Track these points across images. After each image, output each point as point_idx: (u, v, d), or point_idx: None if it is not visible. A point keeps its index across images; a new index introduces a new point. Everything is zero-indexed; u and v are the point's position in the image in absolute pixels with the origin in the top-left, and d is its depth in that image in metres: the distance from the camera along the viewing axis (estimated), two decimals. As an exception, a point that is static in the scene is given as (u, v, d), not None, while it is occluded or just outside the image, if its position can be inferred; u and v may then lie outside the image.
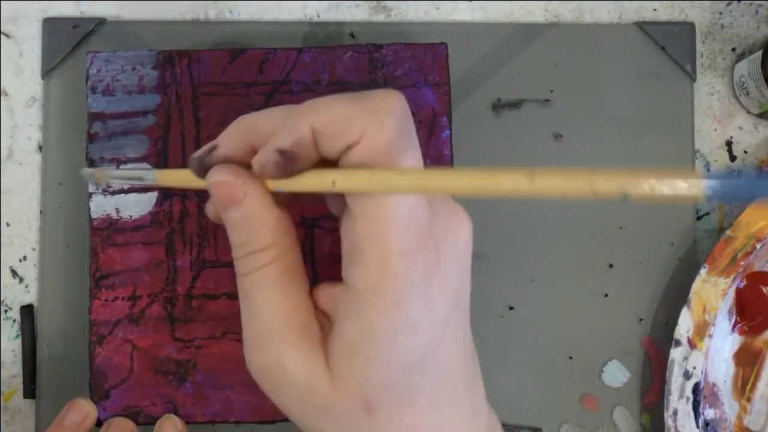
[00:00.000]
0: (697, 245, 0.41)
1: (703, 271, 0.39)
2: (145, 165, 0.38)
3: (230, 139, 0.28)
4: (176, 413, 0.37)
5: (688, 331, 0.39)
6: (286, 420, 0.37)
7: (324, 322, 0.27)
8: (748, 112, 0.43)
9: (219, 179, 0.27)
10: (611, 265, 0.41)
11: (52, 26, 0.41)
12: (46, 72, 0.41)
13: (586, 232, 0.41)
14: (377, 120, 0.24)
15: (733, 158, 0.43)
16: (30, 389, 0.40)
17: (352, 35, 0.42)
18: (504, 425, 0.41)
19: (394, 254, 0.24)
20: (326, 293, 0.28)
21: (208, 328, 0.37)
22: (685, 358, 0.39)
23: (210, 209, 0.30)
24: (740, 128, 0.43)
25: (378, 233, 0.24)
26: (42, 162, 0.41)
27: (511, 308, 0.41)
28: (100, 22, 0.41)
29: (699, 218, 0.42)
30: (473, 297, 0.41)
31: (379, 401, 0.26)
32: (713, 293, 0.39)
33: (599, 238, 0.41)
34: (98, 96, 0.38)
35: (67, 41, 0.41)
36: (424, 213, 0.25)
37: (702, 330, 0.39)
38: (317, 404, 0.26)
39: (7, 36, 0.42)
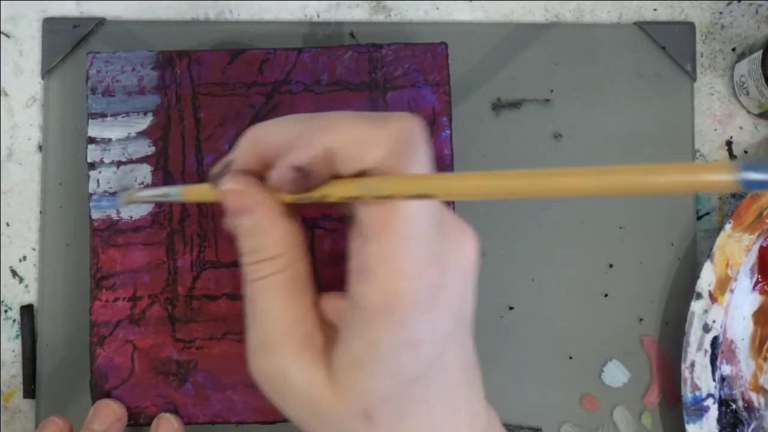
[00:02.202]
0: (697, 245, 0.42)
1: (728, 227, 0.39)
2: (146, 166, 0.38)
3: (242, 153, 0.28)
4: (177, 414, 0.37)
5: (710, 285, 0.39)
6: (286, 420, 0.37)
7: (329, 332, 0.28)
8: (748, 112, 0.43)
9: (229, 188, 0.27)
10: (611, 265, 0.41)
11: (52, 26, 0.41)
12: (46, 72, 0.41)
13: (586, 232, 0.42)
14: (396, 148, 0.24)
15: (733, 158, 0.43)
16: (30, 389, 0.40)
17: (352, 35, 0.42)
18: (504, 425, 0.41)
19: (403, 277, 0.25)
20: (332, 305, 0.28)
21: (208, 328, 0.37)
22: (706, 312, 0.39)
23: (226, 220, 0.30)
24: (740, 128, 0.43)
25: (388, 256, 0.24)
26: (42, 162, 0.41)
27: (511, 308, 0.41)
28: (100, 22, 0.41)
29: (699, 218, 0.42)
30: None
31: (378, 411, 0.26)
32: (737, 249, 0.39)
33: (599, 238, 0.41)
34: (98, 97, 0.38)
35: (67, 41, 0.41)
36: (434, 236, 0.25)
37: (724, 284, 0.39)
38: (317, 411, 0.27)
39: (7, 36, 0.42)
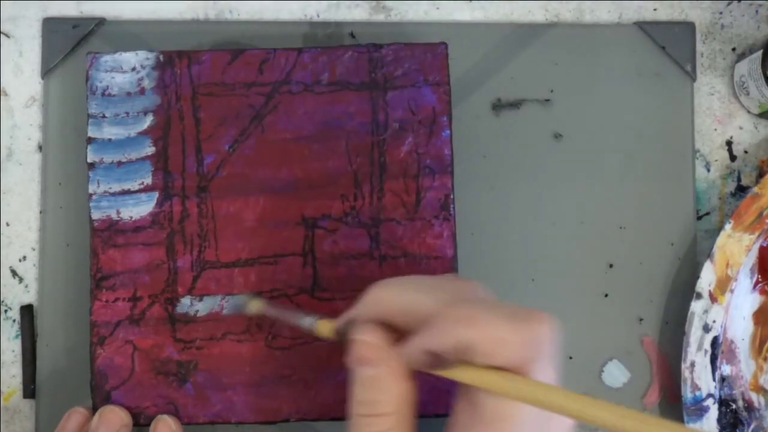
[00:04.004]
0: (697, 245, 0.42)
1: (728, 227, 0.39)
2: (146, 166, 0.38)
3: (363, 312, 0.29)
4: (177, 414, 0.37)
5: (710, 285, 0.39)
6: (286, 420, 0.37)
7: None
8: (748, 112, 0.43)
9: (360, 338, 0.29)
10: (611, 265, 0.41)
11: (52, 26, 0.41)
12: (46, 72, 0.41)
13: (586, 232, 0.42)
14: (529, 353, 0.26)
15: (733, 158, 0.43)
16: (30, 389, 0.40)
17: (352, 35, 0.42)
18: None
19: None
20: None
21: (208, 328, 0.37)
22: (705, 312, 0.39)
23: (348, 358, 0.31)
24: (740, 128, 0.43)
25: None
26: (42, 162, 0.41)
27: (511, 308, 0.41)
28: (100, 22, 0.41)
29: (699, 218, 0.42)
30: (473, 297, 0.41)
31: None
32: (737, 249, 0.39)
33: (599, 238, 0.41)
34: (98, 97, 0.38)
35: (67, 41, 0.41)
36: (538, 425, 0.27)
37: (724, 284, 0.39)
38: None
39: (7, 36, 0.42)
